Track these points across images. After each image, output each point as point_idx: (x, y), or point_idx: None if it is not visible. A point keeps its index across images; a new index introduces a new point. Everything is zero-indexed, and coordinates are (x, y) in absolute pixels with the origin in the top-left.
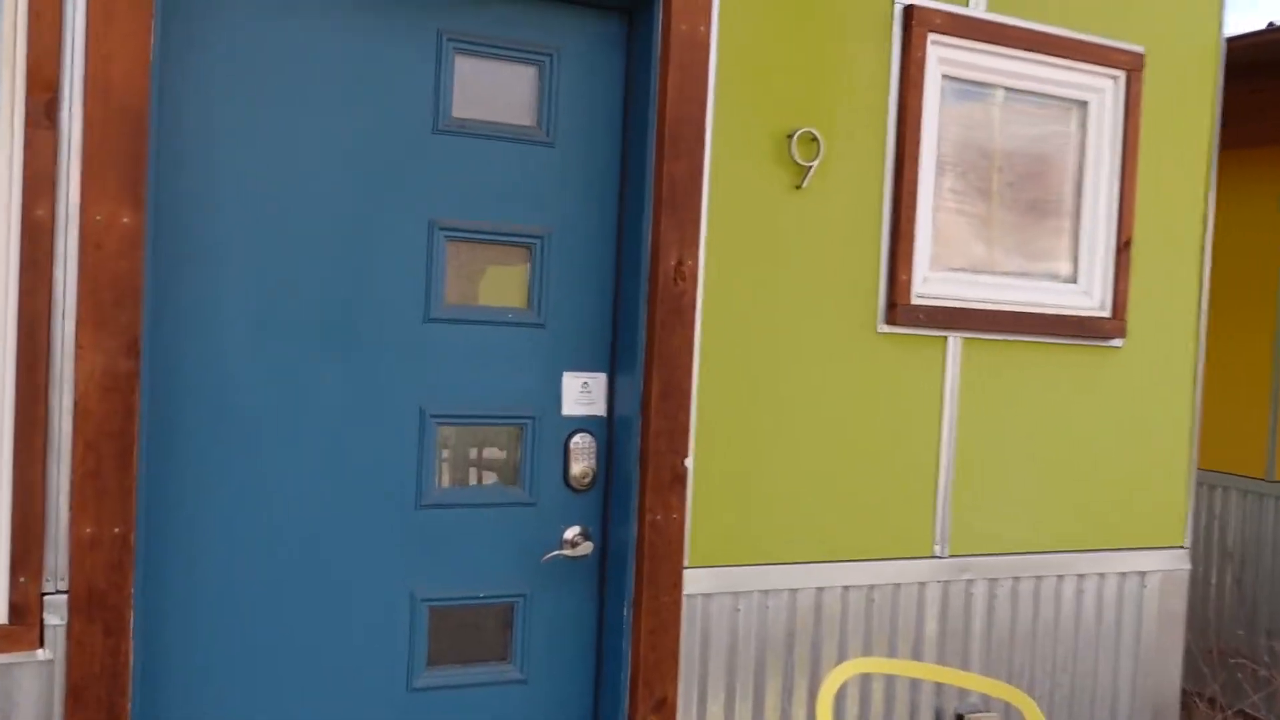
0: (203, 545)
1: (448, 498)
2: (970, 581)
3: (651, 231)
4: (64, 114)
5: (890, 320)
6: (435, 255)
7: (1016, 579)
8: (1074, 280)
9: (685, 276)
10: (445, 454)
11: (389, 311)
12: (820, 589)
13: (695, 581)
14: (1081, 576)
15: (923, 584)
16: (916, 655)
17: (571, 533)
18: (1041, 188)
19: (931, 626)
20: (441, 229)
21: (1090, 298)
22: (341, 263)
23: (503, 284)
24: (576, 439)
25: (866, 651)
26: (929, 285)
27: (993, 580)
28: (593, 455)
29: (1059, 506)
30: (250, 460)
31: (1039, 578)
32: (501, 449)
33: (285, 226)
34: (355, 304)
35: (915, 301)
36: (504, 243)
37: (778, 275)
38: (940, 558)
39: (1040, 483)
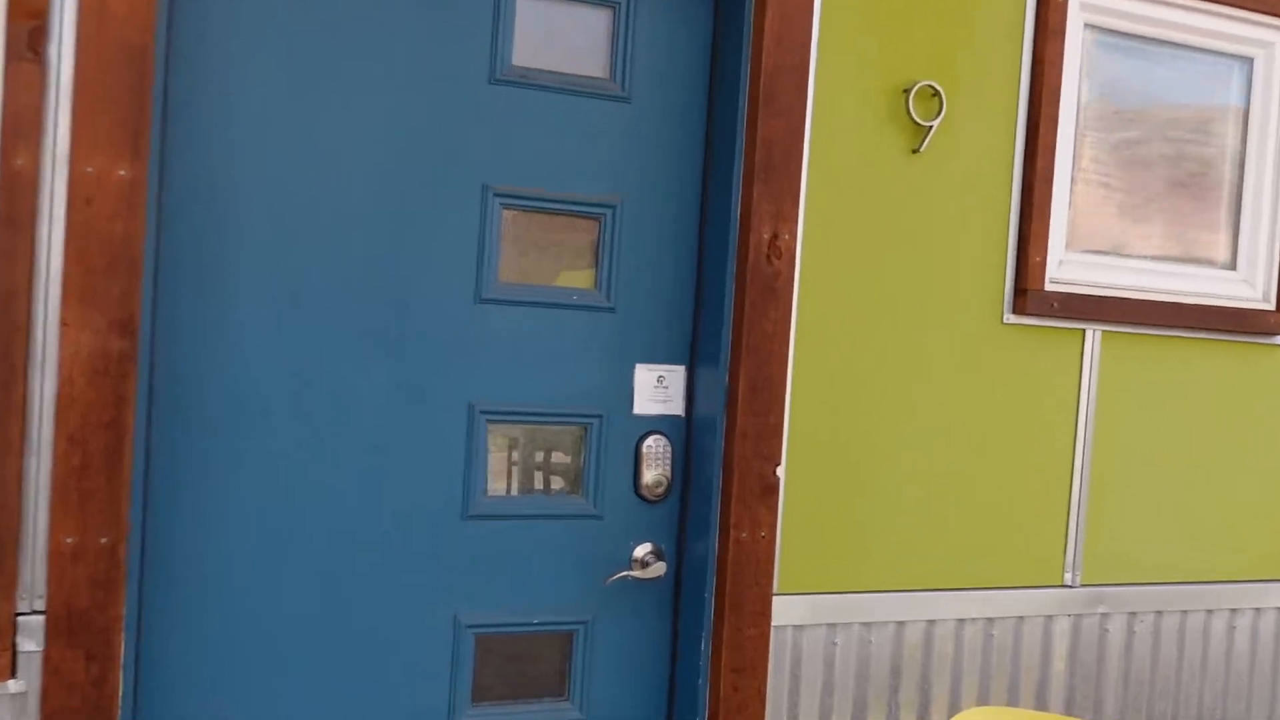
0: (209, 559)
1: (499, 508)
2: (1105, 616)
3: (741, 201)
4: (52, 46)
5: (1018, 309)
6: (489, 225)
7: (1159, 613)
8: (1232, 267)
9: (780, 254)
10: (497, 457)
11: (435, 290)
12: (931, 622)
13: (786, 610)
14: (1234, 611)
15: (1050, 617)
16: (1041, 701)
17: (642, 551)
18: (1196, 158)
19: (1059, 666)
20: (497, 195)
21: (1252, 287)
22: (381, 233)
23: (567, 261)
24: (650, 442)
25: (983, 696)
26: (1065, 269)
27: (1131, 614)
28: (668, 461)
29: (1209, 530)
30: (269, 461)
31: (1184, 612)
32: (563, 452)
33: (316, 189)
34: (396, 281)
35: (1049, 288)
36: (569, 212)
37: (888, 254)
38: (1071, 587)
39: (1188, 502)
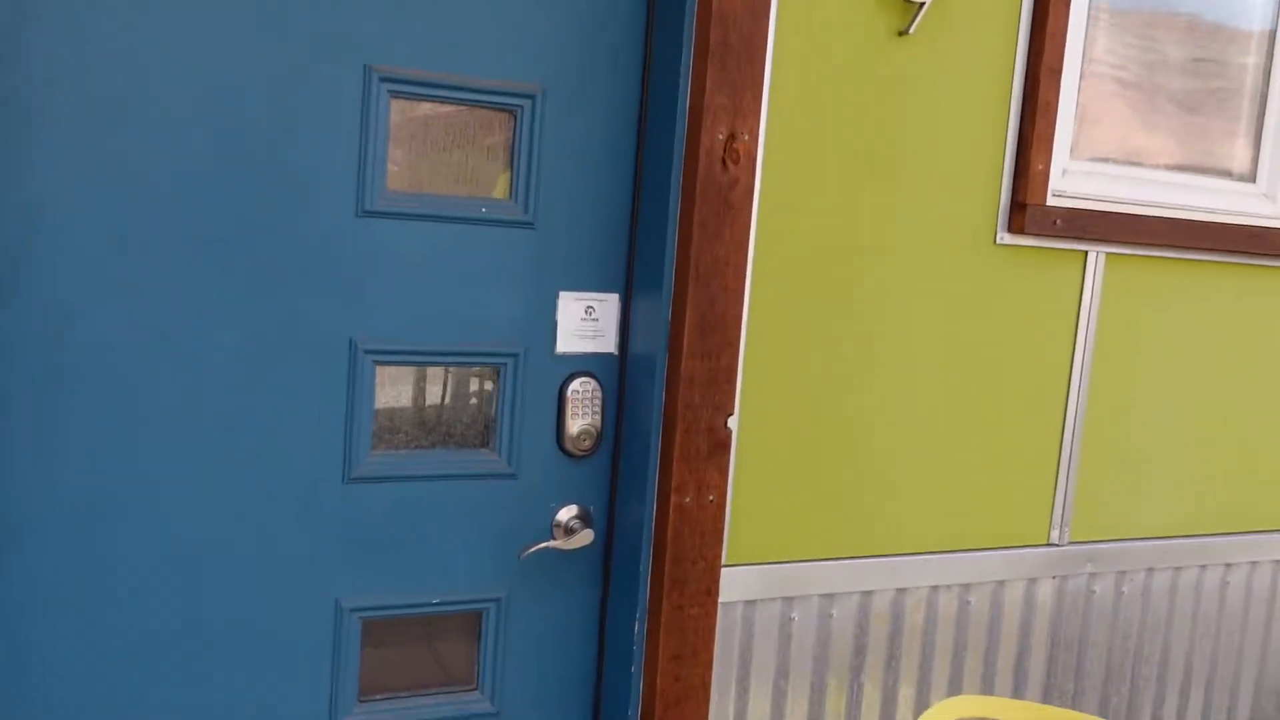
0: (24, 549)
1: (389, 467)
2: (1093, 576)
3: (691, 92)
4: None
5: (1015, 227)
6: (374, 119)
7: (1150, 570)
8: (1251, 179)
9: (738, 159)
10: (386, 406)
11: (305, 201)
12: (901, 591)
13: (736, 584)
14: (1229, 566)
15: (1033, 580)
16: (1020, 671)
17: (566, 515)
18: (1217, 52)
19: (1041, 635)
20: (384, 80)
21: (1273, 203)
22: (236, 128)
23: (474, 165)
24: (575, 386)
25: (956, 671)
26: (1069, 180)
27: (1121, 573)
28: (598, 408)
29: (1217, 478)
30: (102, 424)
31: (1177, 569)
32: (469, 399)
33: (150, 72)
34: (255, 190)
35: (1051, 201)
36: (476, 103)
37: (866, 160)
38: (1058, 545)
39: (1195, 447)
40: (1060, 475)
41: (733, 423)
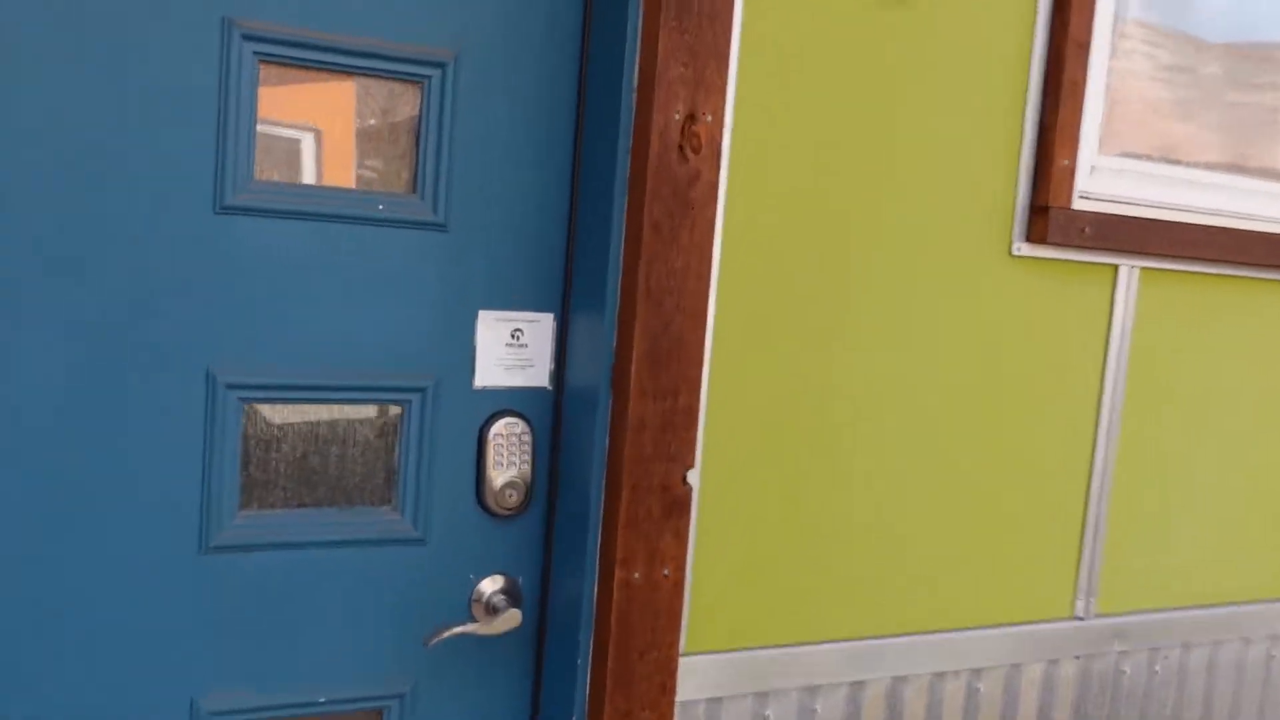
0: None
1: (261, 531)
2: (1122, 655)
3: (641, 61)
4: None
5: (1034, 236)
6: (236, 88)
7: (1185, 646)
8: None
9: (700, 145)
10: (256, 454)
11: (147, 192)
12: (899, 679)
13: (697, 676)
14: (1275, 638)
15: (1053, 662)
16: None
17: (489, 588)
18: (1269, 30)
19: None
20: (248, 38)
21: None
22: (55, 95)
23: (368, 150)
24: (499, 428)
25: None
26: (1099, 180)
27: (1154, 650)
28: (527, 456)
29: (1270, 534)
30: None
31: (1217, 643)
32: (364, 444)
33: None
34: (81, 179)
35: (1078, 204)
36: (371, 72)
37: (854, 150)
38: (1083, 620)
39: (1241, 500)
40: (1086, 535)
41: (693, 477)
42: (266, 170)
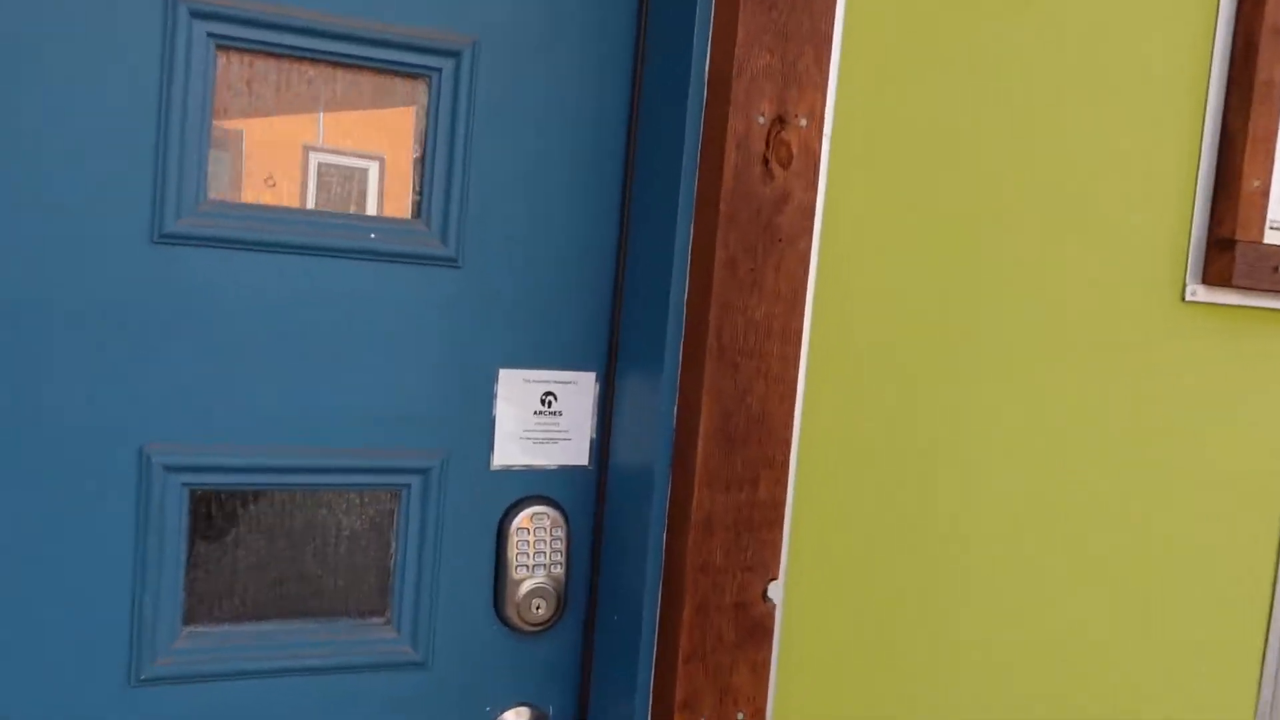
0: None
1: (209, 657)
2: None
3: (713, 47)
4: None
5: (1214, 277)
6: (184, 81)
7: None
8: None
9: (791, 155)
10: (207, 555)
11: (61, 221)
12: None
13: None
14: None
15: None
16: None
17: None
18: None
19: None
20: (200, 17)
21: None
22: None
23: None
24: (524, 519)
25: None
26: None
27: None
28: (560, 556)
29: None
30: None
31: None
32: (348, 541)
33: None
34: None
35: (1270, 238)
36: (363, 63)
37: (988, 166)
38: None
39: None
40: (1269, 657)
41: (777, 592)
42: (223, 182)
